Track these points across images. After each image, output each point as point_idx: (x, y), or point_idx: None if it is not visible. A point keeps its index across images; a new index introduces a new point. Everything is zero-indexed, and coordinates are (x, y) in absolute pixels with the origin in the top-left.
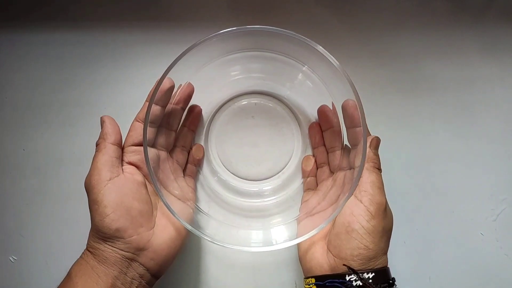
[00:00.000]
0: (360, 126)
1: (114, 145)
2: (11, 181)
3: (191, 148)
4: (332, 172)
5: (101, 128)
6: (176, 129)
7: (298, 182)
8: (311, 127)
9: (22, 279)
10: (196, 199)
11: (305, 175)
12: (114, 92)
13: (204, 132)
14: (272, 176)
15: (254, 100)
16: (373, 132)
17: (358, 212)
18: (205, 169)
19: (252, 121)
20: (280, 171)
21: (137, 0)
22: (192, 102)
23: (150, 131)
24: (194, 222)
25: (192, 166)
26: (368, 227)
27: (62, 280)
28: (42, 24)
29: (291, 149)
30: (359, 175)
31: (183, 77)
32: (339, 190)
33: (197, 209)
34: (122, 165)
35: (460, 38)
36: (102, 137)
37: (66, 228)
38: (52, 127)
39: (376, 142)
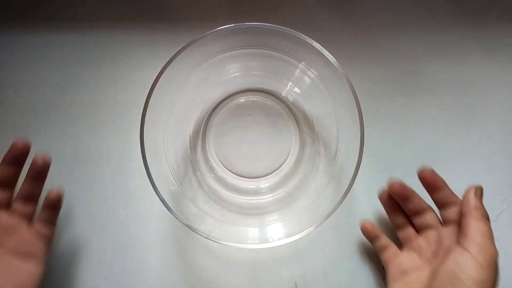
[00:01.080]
0: (446, 188)
1: None
2: None
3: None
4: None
5: None
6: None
7: (295, 180)
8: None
9: None
10: (47, 251)
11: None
12: (114, 92)
13: (201, 130)
14: (269, 174)
15: (252, 97)
16: (373, 133)
17: (465, 262)
18: (203, 166)
19: (249, 119)
20: (278, 169)
21: (137, 0)
22: (190, 101)
23: None
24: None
25: (46, 212)
26: (476, 278)
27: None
28: (42, 24)
29: (288, 147)
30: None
31: (180, 74)
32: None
33: (194, 206)
34: None
35: (460, 39)
36: None
37: (65, 228)
38: (51, 127)
39: (481, 191)
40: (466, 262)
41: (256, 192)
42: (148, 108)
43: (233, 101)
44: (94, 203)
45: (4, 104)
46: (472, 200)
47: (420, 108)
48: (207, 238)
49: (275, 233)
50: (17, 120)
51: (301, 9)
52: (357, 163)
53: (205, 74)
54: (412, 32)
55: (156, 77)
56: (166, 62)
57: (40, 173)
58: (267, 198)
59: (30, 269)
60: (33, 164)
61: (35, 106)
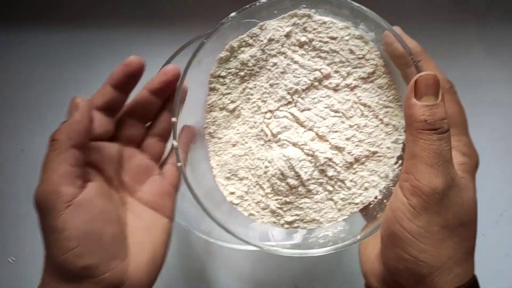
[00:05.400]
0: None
1: (77, 149)
2: (10, 182)
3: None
4: None
5: (68, 115)
6: (147, 122)
7: None
8: None
9: (20, 280)
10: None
11: None
12: None
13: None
14: None
15: None
16: None
17: (397, 206)
18: (202, 166)
19: None
20: None
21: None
22: (189, 100)
23: (106, 121)
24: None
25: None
26: (412, 229)
27: None
28: (40, 23)
29: None
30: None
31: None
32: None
33: (193, 207)
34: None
35: (462, 38)
36: (64, 131)
37: None
38: (51, 127)
39: (430, 81)
40: (399, 207)
41: None
42: None
43: None
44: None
45: (2, 104)
46: (409, 108)
47: None
48: (207, 239)
49: (277, 234)
50: (17, 120)
51: None
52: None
53: (205, 73)
54: (413, 32)
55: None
56: (165, 61)
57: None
58: None
59: (164, 225)
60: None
61: (34, 106)
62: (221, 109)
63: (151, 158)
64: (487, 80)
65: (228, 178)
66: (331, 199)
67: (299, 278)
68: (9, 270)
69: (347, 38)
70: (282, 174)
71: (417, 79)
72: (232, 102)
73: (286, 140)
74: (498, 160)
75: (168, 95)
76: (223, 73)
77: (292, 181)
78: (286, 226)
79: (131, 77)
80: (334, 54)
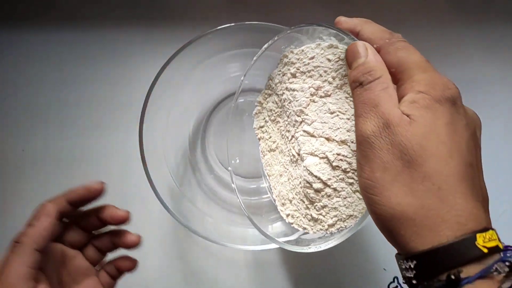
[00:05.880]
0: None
1: (40, 252)
2: (11, 181)
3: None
4: None
5: (34, 219)
6: (91, 230)
7: None
8: None
9: None
10: None
11: None
12: (113, 92)
13: (201, 130)
14: None
15: (252, 97)
16: None
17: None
18: (202, 166)
19: (249, 119)
20: None
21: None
22: (189, 101)
23: (58, 225)
24: (189, 219)
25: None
26: (362, 183)
27: None
28: (40, 23)
29: None
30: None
31: (180, 74)
32: None
33: (193, 206)
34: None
35: (461, 38)
36: (30, 235)
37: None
38: (51, 127)
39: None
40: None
41: (256, 192)
42: (147, 108)
43: (233, 101)
44: (93, 203)
45: (3, 104)
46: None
47: None
48: (207, 239)
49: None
50: (17, 120)
51: (301, 8)
52: None
53: (205, 73)
54: (413, 31)
55: (156, 76)
56: (165, 61)
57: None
58: (267, 198)
59: None
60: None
61: (34, 106)
62: (269, 151)
63: (90, 261)
64: (487, 80)
65: (283, 204)
66: (357, 190)
67: (299, 278)
68: None
69: (321, 52)
70: (307, 182)
71: (345, 54)
72: (273, 142)
73: (304, 153)
74: (498, 160)
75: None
76: (262, 123)
77: (316, 185)
78: (331, 230)
79: (87, 200)
80: (318, 68)
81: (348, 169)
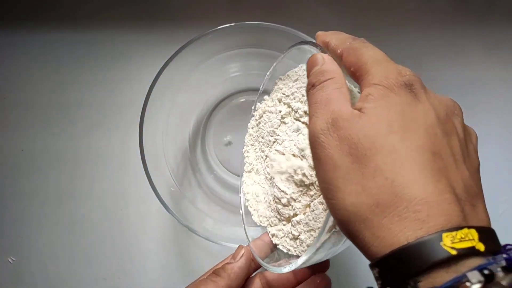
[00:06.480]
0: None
1: None
2: (10, 182)
3: None
4: None
5: (233, 258)
6: None
7: None
8: None
9: (20, 280)
10: None
11: None
12: (113, 92)
13: (201, 130)
14: None
15: (253, 97)
16: None
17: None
18: (202, 166)
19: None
20: None
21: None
22: (189, 101)
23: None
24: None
25: None
26: (320, 186)
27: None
28: (40, 23)
29: None
30: None
31: (180, 74)
32: None
33: (193, 207)
34: None
35: (462, 38)
36: (227, 270)
37: (65, 228)
38: (51, 127)
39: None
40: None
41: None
42: (147, 108)
43: (233, 101)
44: (93, 203)
45: (3, 104)
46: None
47: None
48: (207, 239)
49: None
50: (17, 120)
51: (302, 8)
52: None
53: (205, 73)
54: (414, 31)
55: (156, 76)
56: (165, 61)
57: None
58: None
59: None
60: None
61: (34, 106)
62: (247, 172)
63: None
64: (487, 80)
65: (270, 225)
66: (322, 203)
67: None
68: (9, 270)
69: (303, 74)
70: (276, 197)
71: (306, 66)
72: (250, 164)
73: (273, 170)
74: (498, 160)
75: None
76: (248, 148)
77: (284, 200)
78: (309, 249)
79: None
80: (301, 89)
81: (307, 182)
